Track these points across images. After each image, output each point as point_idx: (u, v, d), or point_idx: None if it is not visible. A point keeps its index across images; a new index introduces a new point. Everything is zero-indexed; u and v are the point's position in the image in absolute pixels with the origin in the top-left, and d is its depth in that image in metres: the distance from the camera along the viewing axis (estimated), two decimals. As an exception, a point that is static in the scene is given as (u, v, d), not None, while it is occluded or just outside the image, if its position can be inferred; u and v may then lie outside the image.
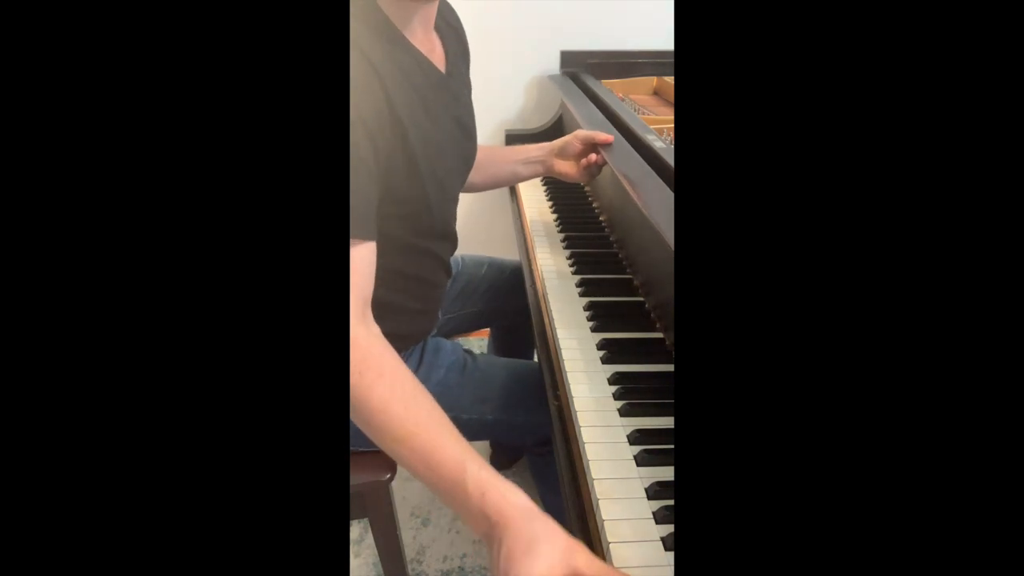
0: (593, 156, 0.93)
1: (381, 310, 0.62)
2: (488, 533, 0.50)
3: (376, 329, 0.59)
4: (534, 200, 1.21)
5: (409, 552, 1.21)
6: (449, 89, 0.76)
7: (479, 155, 0.93)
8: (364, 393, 0.54)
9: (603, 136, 0.91)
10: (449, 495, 0.52)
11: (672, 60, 1.39)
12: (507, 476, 1.48)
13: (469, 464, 0.52)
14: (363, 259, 0.60)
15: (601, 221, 1.10)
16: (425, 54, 0.71)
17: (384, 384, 0.54)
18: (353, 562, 1.19)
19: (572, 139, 0.94)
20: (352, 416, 0.55)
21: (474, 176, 0.94)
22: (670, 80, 1.35)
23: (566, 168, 0.95)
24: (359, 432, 0.83)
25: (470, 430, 0.85)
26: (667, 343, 0.78)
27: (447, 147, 0.74)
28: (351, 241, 0.58)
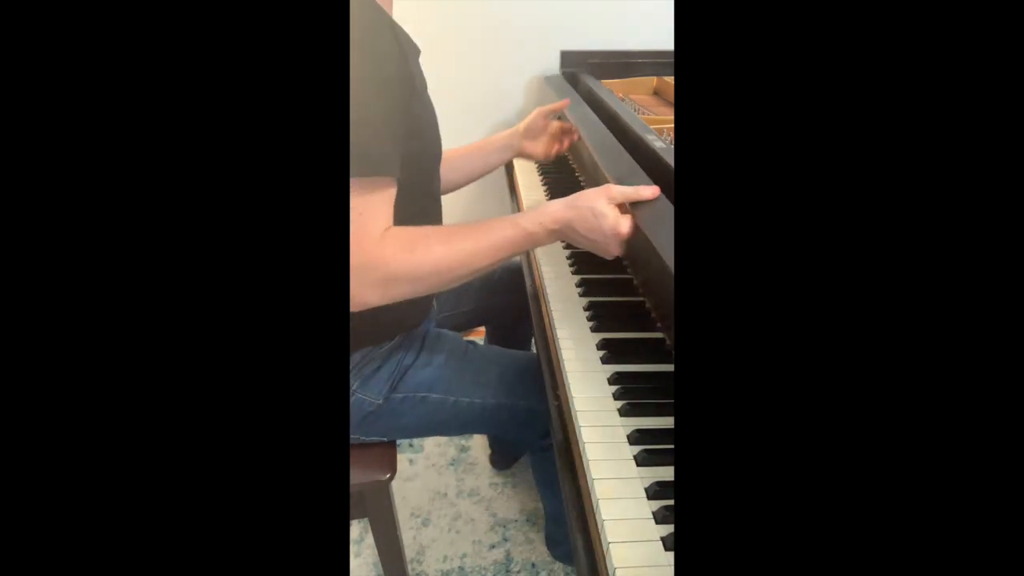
0: (566, 140, 1.03)
1: None
2: (565, 235, 0.70)
3: (402, 234, 0.66)
4: (534, 199, 1.21)
5: (409, 552, 1.21)
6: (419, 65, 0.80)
7: (452, 154, 1.01)
8: (431, 269, 0.65)
9: (559, 103, 1.02)
10: (529, 246, 0.71)
11: (672, 60, 1.39)
12: (506, 477, 1.46)
13: (518, 221, 0.69)
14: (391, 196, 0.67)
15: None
16: None
17: (431, 251, 0.65)
18: (353, 562, 1.19)
19: (535, 116, 1.01)
20: (441, 287, 0.68)
21: (452, 175, 1.00)
22: (670, 80, 1.35)
23: (534, 148, 1.03)
24: (360, 424, 0.84)
25: (471, 416, 0.87)
26: (667, 343, 0.78)
27: (433, 116, 0.79)
28: (382, 189, 0.64)
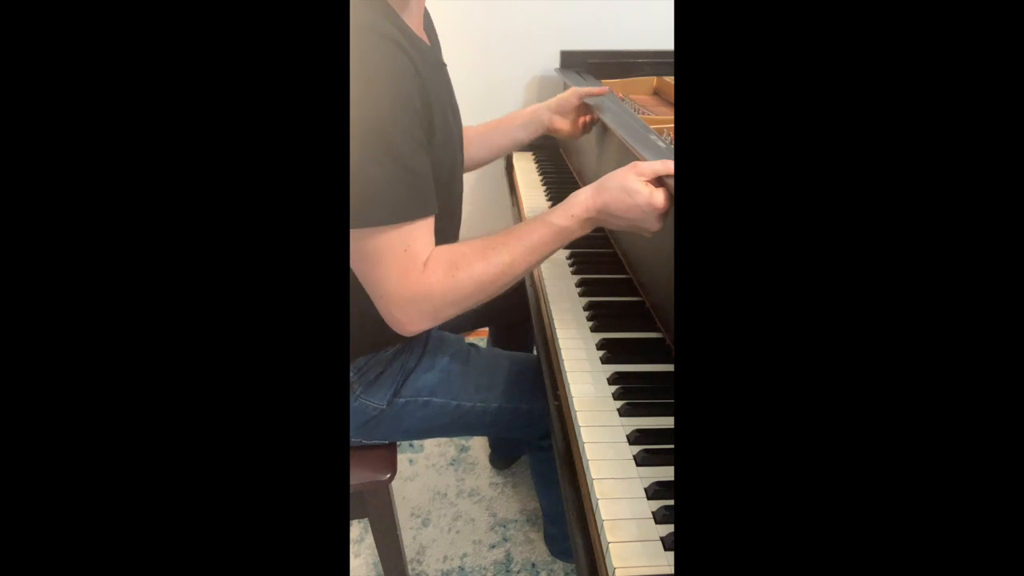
0: (588, 116, 1.01)
1: None
2: (601, 220, 0.69)
3: (443, 257, 0.66)
4: (534, 200, 1.21)
5: (409, 552, 1.21)
6: (442, 71, 0.78)
7: (479, 129, 1.00)
8: (474, 288, 0.66)
9: (599, 89, 0.99)
10: (563, 241, 0.70)
11: (672, 60, 1.39)
12: (506, 477, 1.46)
13: (548, 219, 0.68)
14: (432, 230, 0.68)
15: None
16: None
17: (471, 270, 0.66)
18: (353, 562, 1.19)
19: (569, 95, 0.99)
20: (485, 300, 0.69)
21: (478, 152, 1.00)
22: (670, 80, 1.35)
23: (563, 124, 1.01)
24: (362, 428, 0.84)
25: (473, 419, 0.87)
26: (667, 343, 0.78)
27: (453, 125, 0.77)
28: (426, 219, 0.64)
